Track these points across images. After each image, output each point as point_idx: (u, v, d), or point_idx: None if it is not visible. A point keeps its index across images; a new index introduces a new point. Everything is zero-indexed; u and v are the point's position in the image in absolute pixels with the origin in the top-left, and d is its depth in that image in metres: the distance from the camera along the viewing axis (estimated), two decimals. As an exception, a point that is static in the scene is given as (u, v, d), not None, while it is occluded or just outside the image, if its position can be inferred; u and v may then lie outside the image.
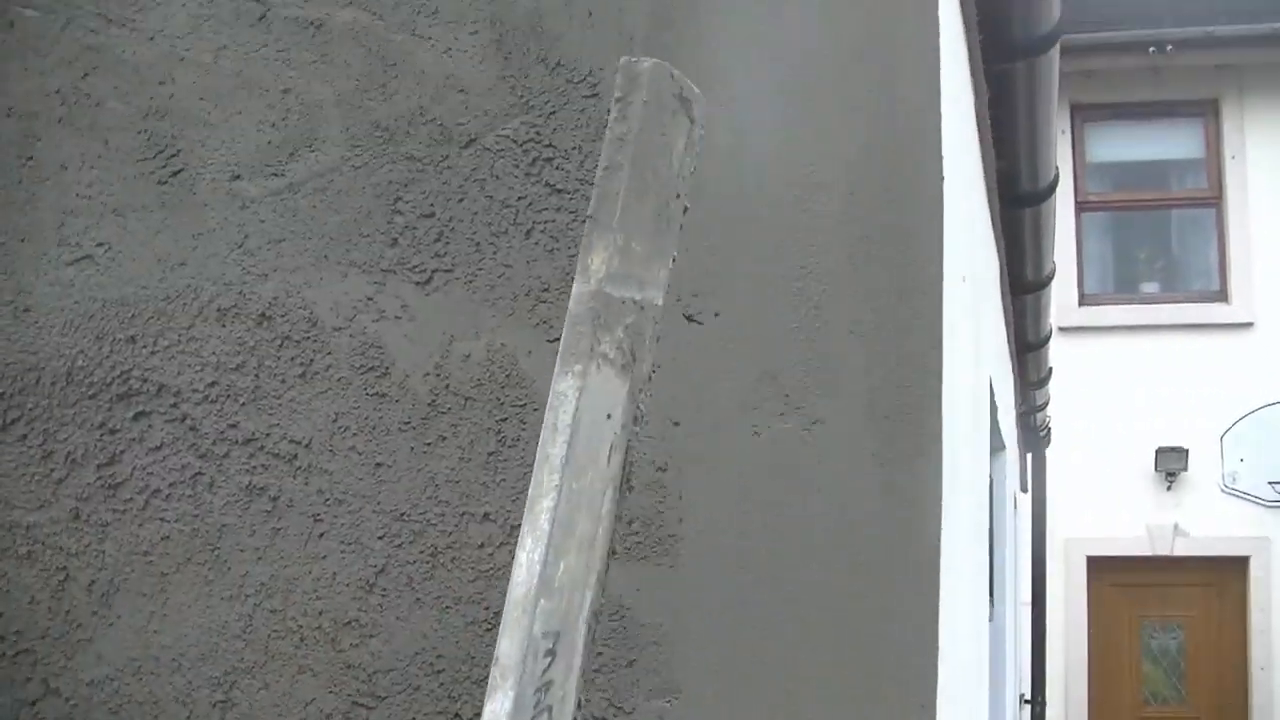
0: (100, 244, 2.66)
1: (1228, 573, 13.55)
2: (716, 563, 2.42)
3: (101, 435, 2.62)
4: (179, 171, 2.64)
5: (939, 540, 2.42)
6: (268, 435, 2.57)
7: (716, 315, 2.45)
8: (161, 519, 2.59)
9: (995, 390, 5.63)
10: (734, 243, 2.47)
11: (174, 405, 2.60)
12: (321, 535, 2.53)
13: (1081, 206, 13.91)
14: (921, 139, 2.46)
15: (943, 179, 2.44)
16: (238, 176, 2.62)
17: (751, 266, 2.46)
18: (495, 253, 2.53)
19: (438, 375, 2.53)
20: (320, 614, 2.52)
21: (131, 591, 2.58)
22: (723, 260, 2.46)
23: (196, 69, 2.67)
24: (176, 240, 2.63)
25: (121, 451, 2.61)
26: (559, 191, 2.52)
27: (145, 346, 2.62)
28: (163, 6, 2.70)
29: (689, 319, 2.46)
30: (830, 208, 2.45)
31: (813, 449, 2.41)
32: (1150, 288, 14.19)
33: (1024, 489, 11.31)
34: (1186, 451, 13.47)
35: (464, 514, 2.49)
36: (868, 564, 2.39)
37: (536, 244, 2.52)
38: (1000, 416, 6.34)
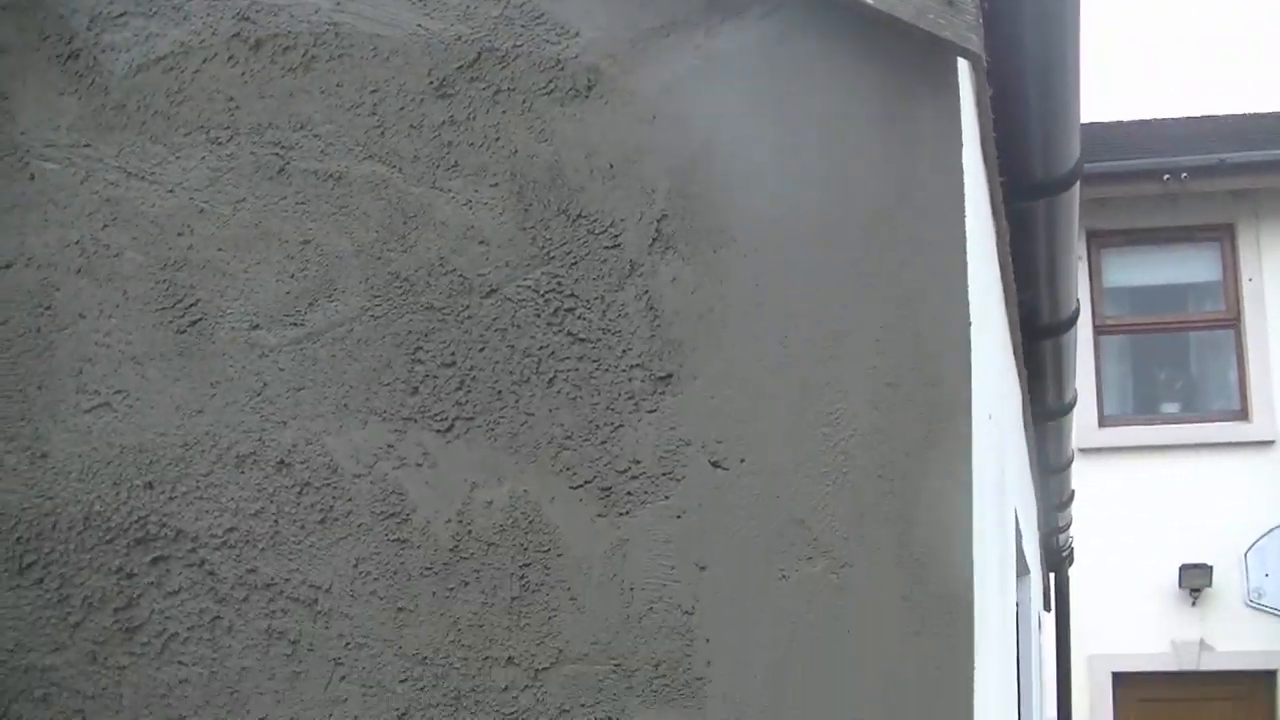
0: (118, 391, 2.65)
1: (1254, 687, 13.36)
2: (744, 707, 2.39)
3: (119, 580, 2.60)
4: (197, 321, 2.65)
5: (971, 679, 2.37)
6: (287, 580, 2.55)
7: (743, 461, 2.44)
8: (179, 662, 2.57)
9: (1020, 518, 5.59)
10: (761, 390, 2.46)
11: (192, 550, 2.59)
12: (342, 679, 2.51)
13: (1100, 330, 13.88)
14: (947, 285, 2.45)
15: (969, 324, 2.43)
16: (257, 326, 2.62)
17: (779, 413, 2.45)
18: (517, 401, 2.52)
19: (460, 521, 2.51)
20: (340, 765, 2.49)
21: (149, 738, 2.55)
22: (749, 407, 2.45)
23: (215, 220, 2.67)
24: (194, 388, 2.63)
25: (139, 596, 2.59)
26: (581, 340, 2.52)
27: (163, 492, 2.61)
28: (182, 160, 2.71)
29: (715, 465, 2.44)
30: (857, 354, 2.44)
31: (841, 592, 2.38)
32: (1170, 408, 14.13)
33: (1047, 608, 11.20)
34: (1210, 568, 13.34)
35: (487, 658, 2.47)
36: (900, 706, 2.35)
37: (559, 392, 2.51)
38: (1025, 543, 6.29)
